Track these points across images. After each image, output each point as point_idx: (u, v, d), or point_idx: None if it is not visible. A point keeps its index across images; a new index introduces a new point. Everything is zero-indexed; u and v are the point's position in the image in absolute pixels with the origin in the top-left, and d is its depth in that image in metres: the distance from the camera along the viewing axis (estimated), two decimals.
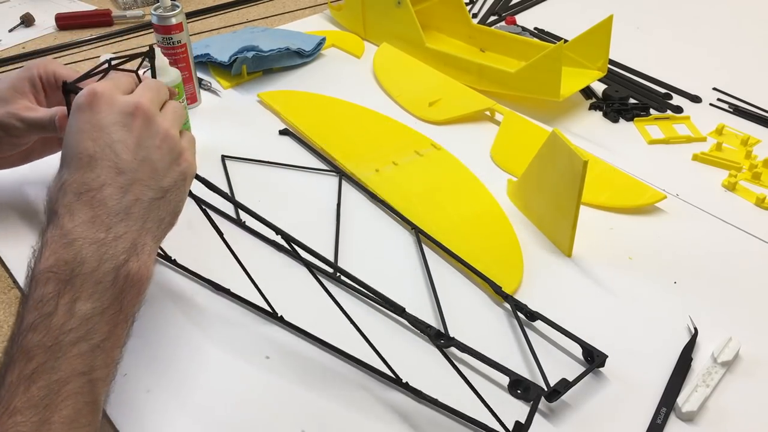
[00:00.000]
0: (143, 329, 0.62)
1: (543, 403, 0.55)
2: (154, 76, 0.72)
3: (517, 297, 0.65)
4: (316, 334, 0.59)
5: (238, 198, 0.78)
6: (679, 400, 0.55)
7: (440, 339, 0.48)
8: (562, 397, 0.55)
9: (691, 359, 0.59)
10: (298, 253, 0.53)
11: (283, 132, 0.90)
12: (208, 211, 0.57)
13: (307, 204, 0.78)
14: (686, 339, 0.61)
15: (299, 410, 0.55)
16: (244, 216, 0.75)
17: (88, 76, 0.64)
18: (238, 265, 0.58)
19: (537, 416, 0.54)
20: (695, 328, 0.61)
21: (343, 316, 0.54)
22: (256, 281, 0.59)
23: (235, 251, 0.58)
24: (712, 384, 0.56)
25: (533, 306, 0.64)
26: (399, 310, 0.48)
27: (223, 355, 0.59)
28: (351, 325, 0.54)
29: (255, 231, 0.72)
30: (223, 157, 0.84)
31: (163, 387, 0.57)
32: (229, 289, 0.64)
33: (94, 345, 0.43)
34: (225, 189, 0.79)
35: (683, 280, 0.67)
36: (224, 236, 0.57)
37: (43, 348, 0.42)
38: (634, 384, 0.57)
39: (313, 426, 0.54)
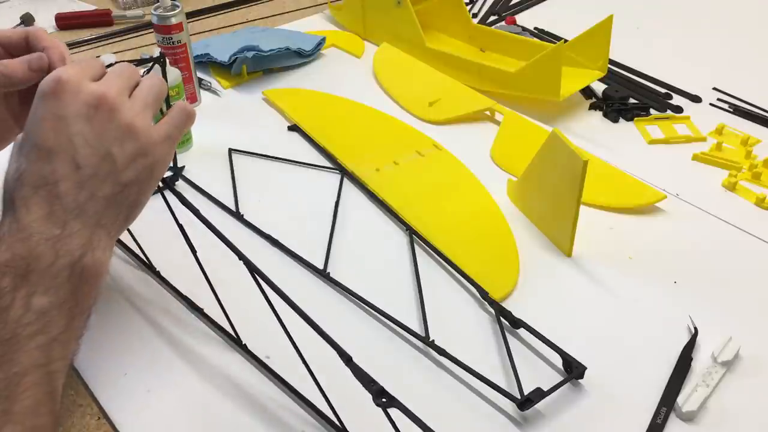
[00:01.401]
0: (143, 329, 0.62)
1: (516, 412, 0.55)
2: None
3: (516, 297, 0.65)
4: (274, 368, 0.57)
5: (242, 191, 0.78)
6: (679, 399, 0.55)
7: (382, 397, 0.46)
8: (538, 408, 0.54)
9: (691, 359, 0.59)
10: (262, 279, 0.51)
11: (291, 128, 0.90)
12: (184, 226, 0.56)
13: (308, 200, 0.78)
14: (686, 339, 0.61)
15: (300, 410, 0.55)
16: (243, 210, 0.75)
17: None
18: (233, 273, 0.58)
19: (509, 424, 0.54)
20: (695, 328, 0.61)
21: (337, 316, 0.53)
22: (225, 306, 0.58)
23: (234, 247, 0.58)
24: (712, 384, 0.56)
25: (532, 306, 0.64)
26: (346, 359, 0.47)
27: (224, 355, 0.59)
28: (343, 332, 0.54)
29: (254, 226, 0.73)
30: (230, 150, 0.85)
31: (163, 387, 0.57)
32: (202, 309, 0.63)
33: (52, 338, 0.44)
34: (229, 182, 0.80)
35: (683, 280, 0.67)
36: (197, 254, 0.56)
37: (1, 341, 0.42)
38: (632, 384, 0.57)
39: (314, 426, 0.54)
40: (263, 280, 0.50)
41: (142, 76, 0.75)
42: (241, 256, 0.51)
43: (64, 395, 0.56)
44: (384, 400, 0.45)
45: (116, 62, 0.66)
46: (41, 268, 0.44)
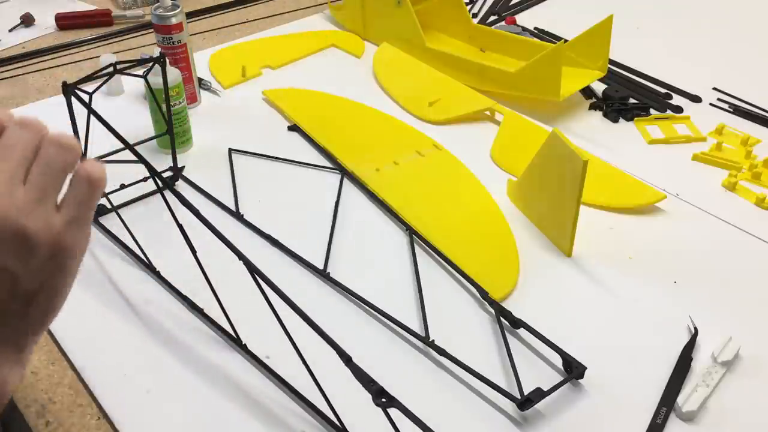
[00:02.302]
0: (143, 329, 0.62)
1: (516, 412, 0.55)
2: (165, 83, 0.72)
3: (516, 297, 0.65)
4: (274, 368, 0.57)
5: (242, 191, 0.78)
6: (680, 399, 0.55)
7: (381, 398, 0.46)
8: (538, 408, 0.54)
9: (691, 359, 0.59)
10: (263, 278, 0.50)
11: (291, 128, 0.90)
12: (184, 226, 0.56)
13: (308, 200, 0.78)
14: (686, 339, 0.61)
15: (300, 410, 0.55)
16: (243, 210, 0.75)
17: (91, 78, 0.64)
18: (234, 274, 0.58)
19: (509, 424, 0.54)
20: (695, 328, 0.61)
21: (337, 316, 0.53)
22: (225, 306, 0.57)
23: (233, 247, 0.58)
24: (712, 384, 0.56)
25: (531, 306, 0.64)
26: (345, 359, 0.47)
27: (224, 355, 0.59)
28: (343, 332, 0.54)
29: (254, 226, 0.73)
30: (230, 150, 0.85)
31: (163, 387, 0.57)
32: (202, 309, 0.63)
33: None
34: (229, 182, 0.80)
35: (683, 280, 0.67)
36: (197, 254, 0.56)
37: None
38: (632, 384, 0.57)
39: (314, 426, 0.54)
40: (263, 280, 0.50)
41: (145, 74, 0.74)
42: (240, 256, 0.51)
43: (64, 395, 0.56)
44: (384, 400, 0.45)
45: (120, 62, 0.66)
46: None
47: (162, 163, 0.79)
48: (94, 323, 0.62)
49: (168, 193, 0.57)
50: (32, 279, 0.39)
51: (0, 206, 0.37)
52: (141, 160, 0.58)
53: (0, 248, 0.38)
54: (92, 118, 0.61)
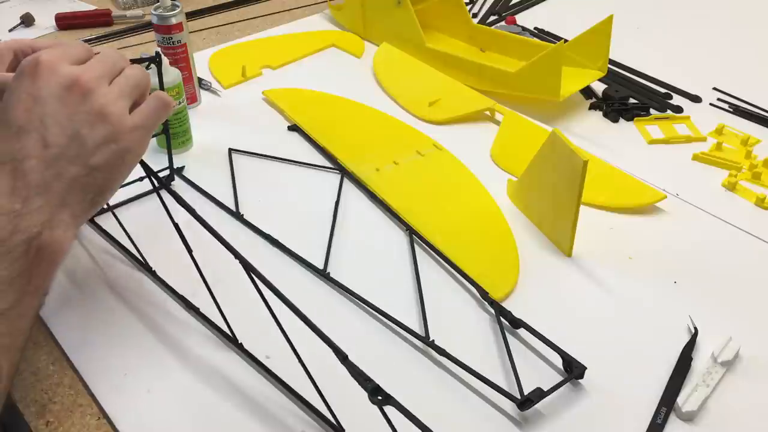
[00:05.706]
0: (143, 329, 0.62)
1: (516, 412, 0.55)
2: (161, 82, 0.72)
3: (516, 297, 0.65)
4: (271, 368, 0.57)
5: (242, 191, 0.78)
6: (679, 399, 0.55)
7: (377, 395, 0.46)
8: (538, 408, 0.54)
9: (691, 359, 0.59)
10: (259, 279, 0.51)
11: (291, 128, 0.90)
12: (183, 226, 0.55)
13: (308, 200, 0.78)
14: (686, 339, 0.61)
15: (299, 410, 0.55)
16: (243, 210, 0.75)
17: None
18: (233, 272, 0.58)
19: (509, 424, 0.54)
20: (695, 328, 0.61)
21: (337, 316, 0.53)
22: (224, 306, 0.57)
23: (227, 245, 0.58)
24: (712, 384, 0.56)
25: (531, 306, 0.64)
26: (341, 357, 0.47)
27: (224, 355, 0.59)
28: (343, 332, 0.54)
29: (254, 226, 0.73)
30: (230, 150, 0.85)
31: (163, 387, 0.57)
32: (198, 308, 0.63)
33: None
34: (229, 182, 0.80)
35: (683, 280, 0.67)
36: (193, 254, 0.56)
37: None
38: (632, 384, 0.57)
39: (314, 427, 0.54)
40: (257, 277, 0.49)
41: None
42: (236, 254, 0.50)
43: (64, 395, 0.56)
44: (380, 398, 0.45)
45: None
46: None
47: (162, 162, 0.79)
48: (95, 323, 0.62)
49: (164, 193, 0.57)
50: (96, 153, 0.49)
51: (89, 86, 0.49)
52: None
53: (79, 117, 0.48)
54: None
